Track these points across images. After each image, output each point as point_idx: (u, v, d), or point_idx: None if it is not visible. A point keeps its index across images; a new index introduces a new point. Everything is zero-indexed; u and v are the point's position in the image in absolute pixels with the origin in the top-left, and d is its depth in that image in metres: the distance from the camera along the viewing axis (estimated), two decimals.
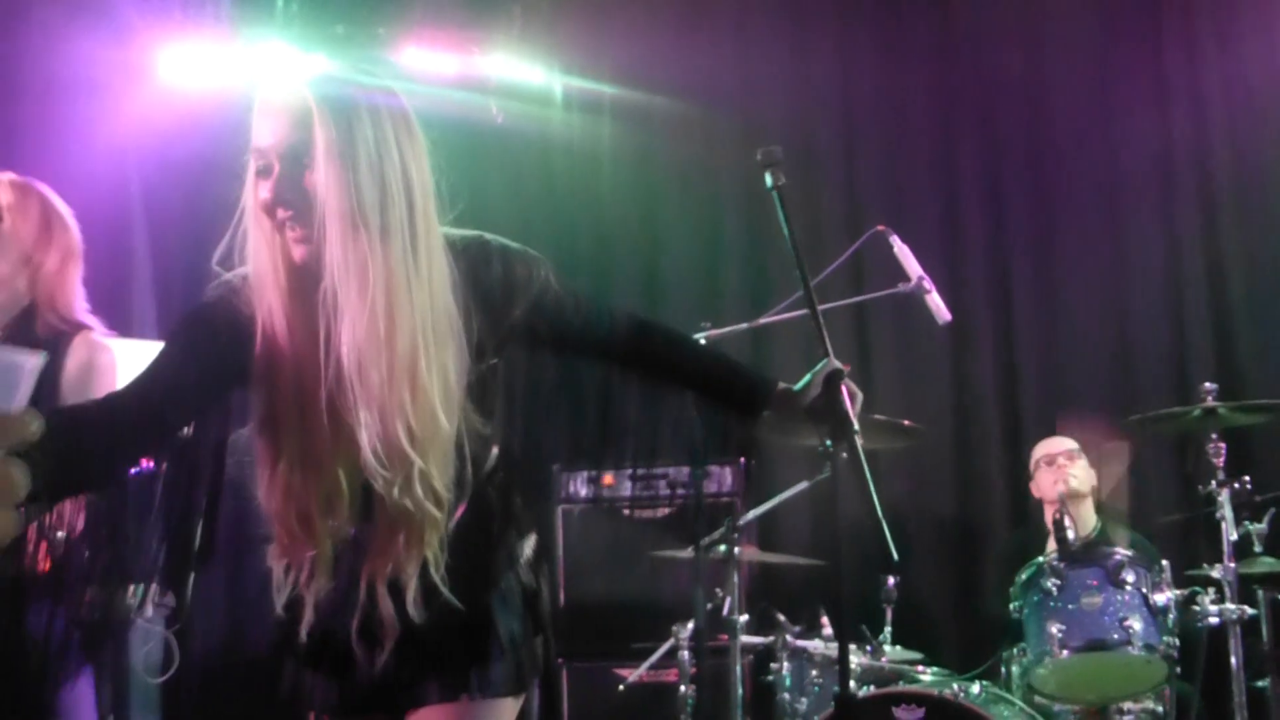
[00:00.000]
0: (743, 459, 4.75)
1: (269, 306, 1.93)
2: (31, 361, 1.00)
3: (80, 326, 2.95)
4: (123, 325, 5.17)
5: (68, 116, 5.34)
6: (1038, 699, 4.04)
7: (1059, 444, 4.95)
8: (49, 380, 2.86)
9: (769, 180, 2.33)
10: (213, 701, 5.05)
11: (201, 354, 1.94)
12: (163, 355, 1.95)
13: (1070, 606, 3.96)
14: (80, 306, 3.02)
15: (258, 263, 1.94)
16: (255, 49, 5.43)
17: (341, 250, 1.86)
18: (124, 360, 3.40)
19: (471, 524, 2.09)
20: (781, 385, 2.22)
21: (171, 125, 5.40)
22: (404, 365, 1.88)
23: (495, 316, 2.03)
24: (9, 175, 3.03)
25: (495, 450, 2.13)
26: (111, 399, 1.91)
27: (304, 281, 1.92)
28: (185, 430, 1.96)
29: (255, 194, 1.92)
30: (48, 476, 1.64)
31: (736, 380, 2.27)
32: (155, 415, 1.88)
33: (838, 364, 2.14)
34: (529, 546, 2.20)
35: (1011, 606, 4.15)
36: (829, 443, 2.08)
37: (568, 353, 2.19)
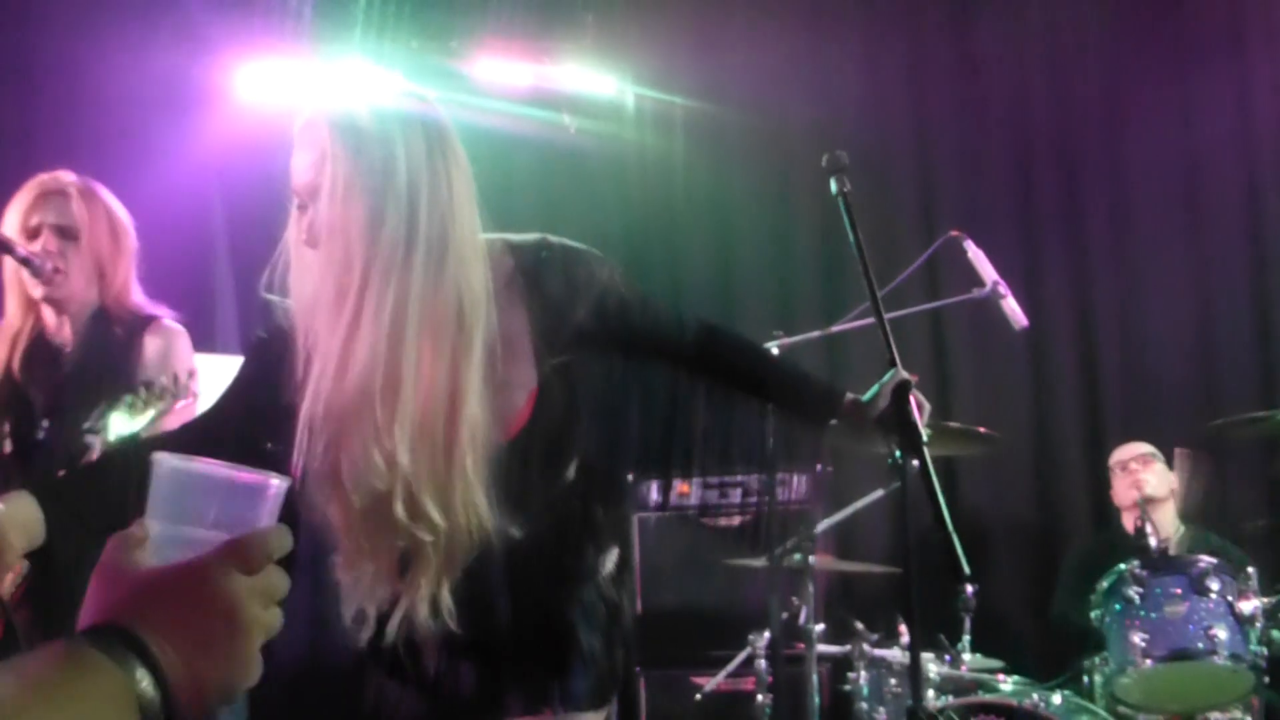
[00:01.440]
0: (818, 466, 4.72)
1: (310, 332, 1.95)
2: (275, 485, 1.10)
3: (150, 318, 3.03)
4: (206, 340, 5.28)
5: (152, 133, 5.46)
6: (1121, 709, 3.98)
7: (1132, 449, 4.92)
8: (129, 366, 2.94)
9: (834, 186, 2.32)
10: (297, 711, 5.12)
11: (263, 381, 1.98)
12: (232, 383, 2.00)
13: (1153, 615, 3.89)
14: (141, 298, 3.09)
15: (299, 291, 1.96)
16: (333, 65, 5.51)
17: (338, 278, 1.87)
18: (207, 374, 3.47)
19: (553, 537, 2.08)
20: (850, 396, 2.21)
21: (252, 142, 5.50)
22: (357, 398, 1.86)
23: (558, 318, 2.02)
24: (70, 178, 3.06)
25: (575, 461, 2.13)
26: (183, 431, 1.97)
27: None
28: (268, 446, 2.00)
29: (296, 229, 1.95)
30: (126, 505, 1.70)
31: (805, 389, 2.26)
32: (228, 441, 1.94)
33: (905, 374, 2.12)
34: (611, 560, 2.20)
35: (1093, 615, 4.09)
36: (898, 454, 2.07)
37: (636, 355, 2.17)
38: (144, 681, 0.91)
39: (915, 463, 2.04)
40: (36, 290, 2.95)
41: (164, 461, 1.08)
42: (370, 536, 1.97)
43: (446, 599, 1.97)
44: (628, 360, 2.18)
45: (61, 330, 2.99)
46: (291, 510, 2.03)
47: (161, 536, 1.04)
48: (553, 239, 2.08)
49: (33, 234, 2.95)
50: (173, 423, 2.78)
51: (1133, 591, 3.93)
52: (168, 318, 3.06)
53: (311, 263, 1.95)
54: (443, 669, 2.09)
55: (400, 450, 1.87)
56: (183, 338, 3.04)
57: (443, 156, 1.94)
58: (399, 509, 1.88)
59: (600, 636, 2.13)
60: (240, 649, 0.99)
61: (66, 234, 2.96)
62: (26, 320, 3.00)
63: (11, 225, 2.96)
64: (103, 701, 0.89)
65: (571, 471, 2.11)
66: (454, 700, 2.11)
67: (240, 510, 1.06)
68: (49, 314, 3.00)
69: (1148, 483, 4.80)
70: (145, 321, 3.02)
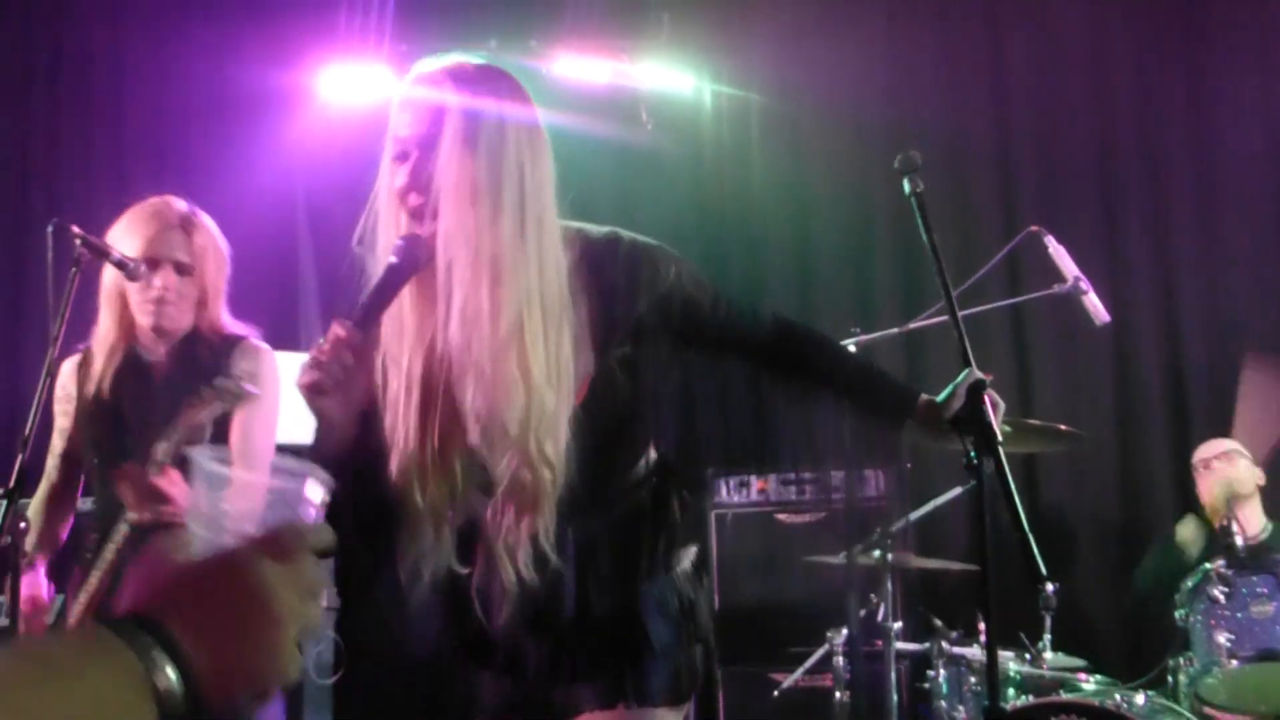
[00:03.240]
0: (896, 463, 4.71)
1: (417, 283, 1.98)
2: (315, 486, 1.10)
3: (237, 339, 3.10)
4: (289, 338, 5.39)
5: (236, 136, 5.58)
6: (1206, 710, 3.92)
7: (1215, 446, 4.86)
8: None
9: (906, 187, 2.31)
10: (380, 701, 5.21)
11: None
12: None
13: (1239, 615, 3.85)
14: (229, 318, 3.17)
15: (386, 244, 1.99)
16: (413, 67, 5.57)
17: (457, 224, 1.92)
18: (288, 370, 3.54)
19: (623, 529, 2.11)
20: (925, 397, 2.20)
21: (334, 143, 5.59)
22: (509, 339, 1.91)
23: (619, 309, 2.04)
24: (183, 208, 3.13)
25: (649, 455, 2.15)
26: None
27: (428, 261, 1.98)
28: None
29: (391, 180, 1.99)
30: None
31: (881, 388, 2.25)
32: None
33: (979, 374, 2.11)
34: (688, 557, 2.21)
35: (1178, 614, 4.04)
36: (974, 453, 2.06)
37: (709, 351, 2.18)
38: (166, 668, 0.89)
39: (991, 462, 2.03)
40: (147, 318, 3.04)
41: (201, 463, 1.07)
42: (437, 503, 1.99)
43: (546, 547, 1.98)
44: (702, 356, 2.18)
45: (156, 349, 3.08)
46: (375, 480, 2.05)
47: (204, 538, 1.05)
48: (624, 233, 2.10)
49: (153, 265, 3.04)
50: None
51: (1218, 591, 3.88)
52: (253, 336, 3.14)
53: (398, 214, 1.99)
54: (514, 657, 2.13)
55: (544, 393, 1.92)
56: (268, 356, 3.11)
57: (539, 135, 2.03)
58: (532, 445, 1.92)
59: (673, 631, 2.14)
60: (273, 640, 0.96)
61: (184, 270, 3.06)
62: (122, 337, 3.09)
63: (130, 249, 3.03)
64: (114, 687, 0.87)
65: (643, 466, 2.14)
66: (525, 690, 2.15)
67: (280, 511, 1.06)
68: (147, 334, 3.08)
69: (1233, 479, 4.73)
70: (233, 341, 3.09)
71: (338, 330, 1.86)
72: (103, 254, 2.97)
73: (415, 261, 1.93)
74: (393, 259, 1.91)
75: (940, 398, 2.15)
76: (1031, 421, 4.13)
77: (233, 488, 1.07)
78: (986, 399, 2.08)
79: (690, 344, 2.15)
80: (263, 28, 5.64)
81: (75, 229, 2.97)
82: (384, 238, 1.98)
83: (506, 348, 1.91)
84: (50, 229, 2.97)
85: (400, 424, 1.98)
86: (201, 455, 1.09)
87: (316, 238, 5.76)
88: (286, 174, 5.64)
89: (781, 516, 4.82)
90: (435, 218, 1.93)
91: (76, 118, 5.76)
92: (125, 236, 3.05)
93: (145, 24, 5.78)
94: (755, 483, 4.83)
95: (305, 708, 4.39)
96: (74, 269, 2.93)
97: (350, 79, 5.61)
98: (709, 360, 2.19)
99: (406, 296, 1.97)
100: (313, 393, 1.85)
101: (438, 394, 1.97)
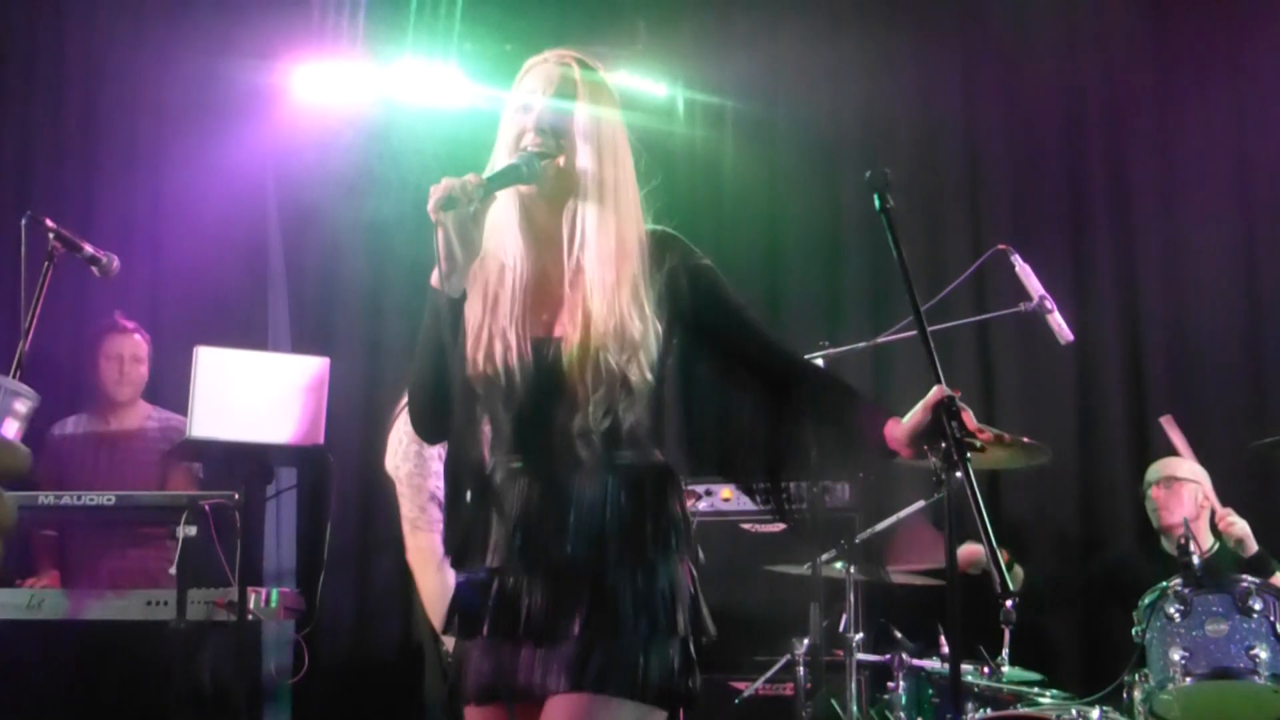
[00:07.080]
0: (861, 476, 4.73)
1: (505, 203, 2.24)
2: (22, 399, 0.91)
3: None
4: (259, 338, 5.37)
5: (208, 133, 5.55)
6: None
7: (1155, 471, 4.89)
8: None
9: (877, 202, 2.34)
10: (342, 702, 5.20)
11: None
12: None
13: (1194, 633, 3.89)
14: None
15: (507, 157, 2.26)
16: (387, 67, 5.57)
17: (593, 169, 2.24)
18: (261, 370, 3.53)
19: (628, 491, 2.18)
20: (894, 418, 2.20)
21: (307, 143, 5.57)
22: (622, 266, 2.21)
23: (673, 298, 2.25)
24: None
25: (655, 451, 2.24)
26: None
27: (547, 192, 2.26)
28: None
29: (519, 121, 2.27)
30: None
31: (870, 418, 2.25)
32: None
33: (948, 390, 2.13)
34: (679, 572, 2.24)
35: (1134, 631, 4.09)
36: (942, 470, 2.08)
37: (720, 348, 2.30)
38: None
39: (959, 476, 2.05)
40: None
41: None
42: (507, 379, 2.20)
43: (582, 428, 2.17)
44: (711, 353, 2.30)
45: None
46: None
47: None
48: (675, 231, 2.36)
49: None
50: None
51: (1174, 609, 3.92)
52: None
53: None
54: (507, 599, 2.18)
55: (633, 317, 2.19)
56: None
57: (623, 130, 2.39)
58: (620, 351, 2.17)
59: (653, 620, 2.15)
60: None
61: None
62: None
63: None
64: None
65: (646, 443, 2.22)
66: (508, 670, 2.18)
67: None
68: None
69: (1166, 510, 4.78)
70: None
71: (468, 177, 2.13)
72: (75, 248, 2.97)
73: (532, 171, 2.20)
74: (517, 161, 2.19)
75: (905, 418, 2.16)
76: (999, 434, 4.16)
77: None
78: (962, 414, 2.09)
79: (707, 329, 2.29)
80: (237, 24, 5.62)
81: (49, 222, 2.96)
82: (505, 156, 2.24)
83: (621, 274, 2.20)
84: (24, 222, 2.96)
85: (495, 312, 2.22)
86: None
87: (287, 234, 5.73)
88: (258, 171, 5.62)
89: (746, 526, 4.84)
90: (566, 157, 2.23)
91: (49, 110, 5.72)
92: None
93: (119, 17, 5.75)
94: (719, 491, 4.86)
95: (265, 707, 4.38)
96: (47, 263, 2.93)
97: (322, 77, 5.59)
98: (715, 360, 2.31)
99: (522, 209, 2.26)
100: (439, 204, 2.07)
101: (544, 291, 2.24)
